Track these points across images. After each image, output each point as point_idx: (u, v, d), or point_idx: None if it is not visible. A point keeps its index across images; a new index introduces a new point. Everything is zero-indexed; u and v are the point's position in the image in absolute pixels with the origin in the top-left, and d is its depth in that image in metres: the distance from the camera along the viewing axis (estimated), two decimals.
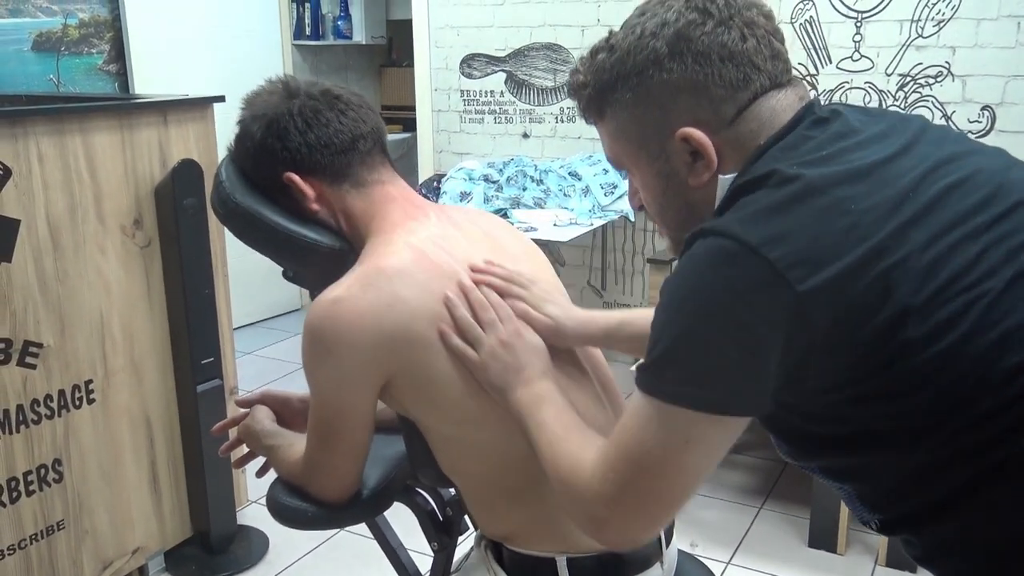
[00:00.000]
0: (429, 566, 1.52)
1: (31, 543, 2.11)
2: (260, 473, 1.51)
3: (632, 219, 3.52)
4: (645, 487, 0.93)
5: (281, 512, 1.36)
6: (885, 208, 0.86)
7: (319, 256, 1.32)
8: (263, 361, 4.19)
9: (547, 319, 1.23)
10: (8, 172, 1.96)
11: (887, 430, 0.89)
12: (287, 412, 1.52)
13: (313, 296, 1.40)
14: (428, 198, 3.72)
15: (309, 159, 1.28)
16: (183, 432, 2.45)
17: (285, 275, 1.44)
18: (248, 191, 1.33)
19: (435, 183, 3.68)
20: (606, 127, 1.04)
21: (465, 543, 1.46)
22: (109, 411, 2.26)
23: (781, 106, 0.97)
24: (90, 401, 2.20)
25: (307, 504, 1.34)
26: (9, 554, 2.06)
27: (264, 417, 1.49)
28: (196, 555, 2.53)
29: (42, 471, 2.11)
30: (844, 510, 2.55)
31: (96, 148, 2.15)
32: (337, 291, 1.18)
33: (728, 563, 2.54)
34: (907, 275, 0.83)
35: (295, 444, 1.37)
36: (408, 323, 1.16)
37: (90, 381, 2.20)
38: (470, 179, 3.54)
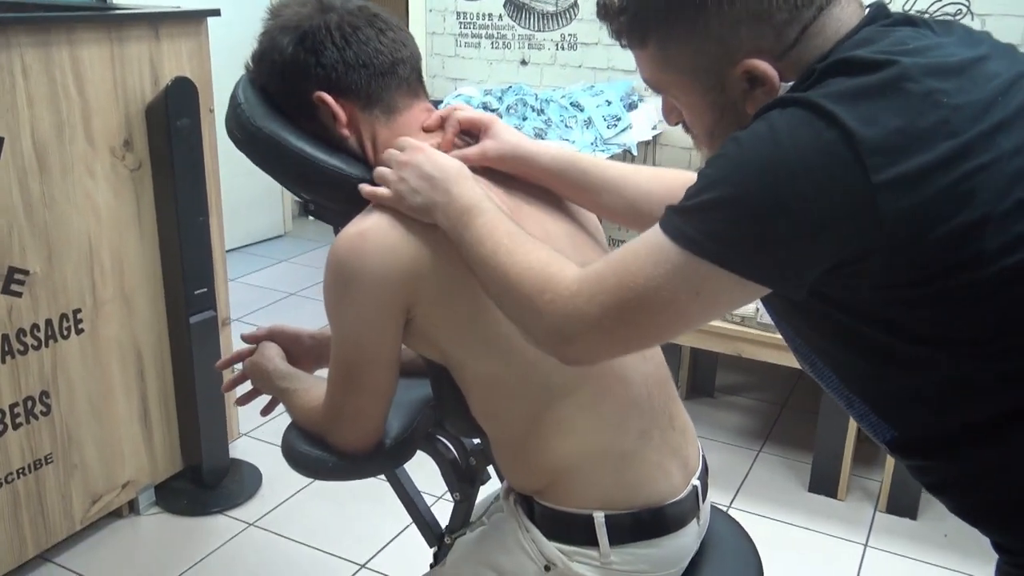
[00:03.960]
0: (446, 514, 1.46)
1: (18, 477, 2.02)
2: (266, 411, 1.43)
3: (635, 153, 3.41)
4: (635, 320, 0.91)
5: (299, 461, 1.28)
6: (976, 108, 0.82)
7: (346, 190, 1.22)
8: (248, 289, 4.08)
9: (494, 140, 1.19)
10: None
11: (935, 337, 0.85)
12: (298, 350, 1.44)
13: (337, 231, 1.31)
14: None
15: (345, 79, 1.17)
16: (175, 364, 2.36)
17: (305, 208, 1.33)
18: (269, 115, 1.22)
19: None
20: (649, 55, 0.97)
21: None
22: (98, 342, 2.15)
23: (846, 15, 0.91)
24: (79, 331, 2.10)
25: (327, 453, 1.26)
26: None
27: (275, 355, 1.40)
28: (188, 489, 2.47)
29: (29, 403, 2.02)
30: (847, 455, 2.53)
31: (84, 62, 2.00)
32: (363, 224, 1.10)
33: (728, 507, 2.52)
34: (992, 181, 0.80)
35: (312, 388, 1.29)
36: (436, 254, 1.09)
37: (79, 311, 2.09)
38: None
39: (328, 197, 1.27)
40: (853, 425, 2.49)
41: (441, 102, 3.52)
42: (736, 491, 2.61)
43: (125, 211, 2.16)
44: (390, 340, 1.14)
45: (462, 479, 1.45)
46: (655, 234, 0.88)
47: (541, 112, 3.43)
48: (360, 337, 1.14)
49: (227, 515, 2.44)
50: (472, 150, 1.18)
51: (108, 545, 2.29)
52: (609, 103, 3.43)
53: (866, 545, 2.39)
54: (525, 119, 3.42)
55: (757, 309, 2.52)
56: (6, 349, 1.94)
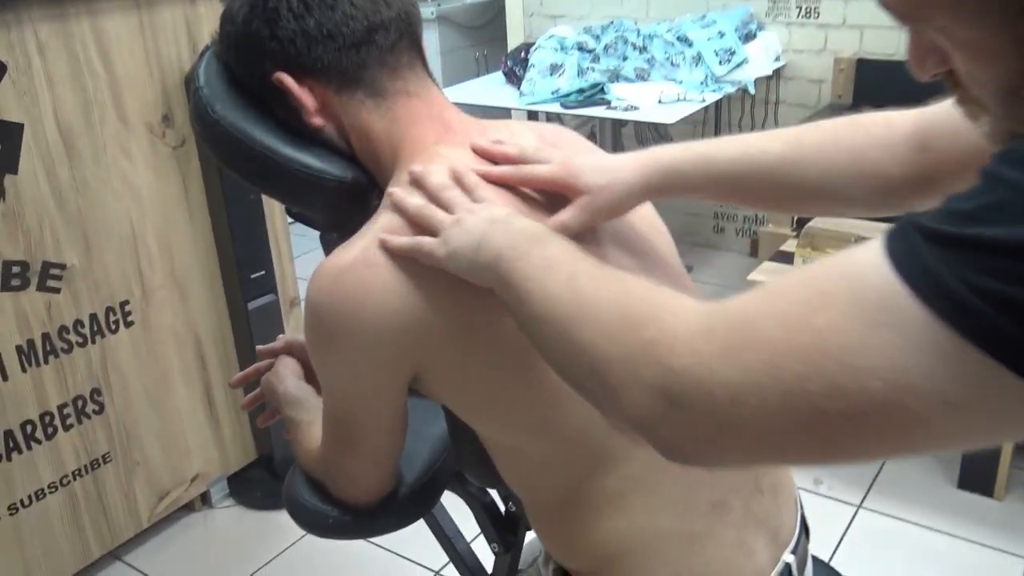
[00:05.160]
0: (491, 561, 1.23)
1: (74, 479, 1.93)
2: (263, 421, 1.24)
3: (752, 91, 3.00)
4: (804, 416, 0.53)
5: (296, 511, 1.08)
6: None
7: (326, 193, 0.97)
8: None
9: (582, 195, 0.86)
10: (3, 67, 1.66)
11: None
12: None
13: (326, 242, 1.07)
14: (514, 72, 3.31)
15: (307, 54, 0.91)
16: (239, 351, 2.21)
17: (288, 212, 1.10)
18: (234, 100, 0.98)
19: (522, 53, 3.23)
20: None
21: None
22: (151, 333, 2.02)
23: None
24: (128, 324, 1.96)
25: (328, 506, 1.04)
26: (51, 492, 1.89)
27: (289, 374, 1.19)
28: (263, 478, 2.34)
29: (79, 403, 1.91)
30: (1006, 444, 2.13)
31: (109, 33, 1.82)
32: (348, 255, 0.84)
33: (859, 507, 2.18)
34: None
35: (315, 423, 1.07)
36: (443, 300, 0.82)
37: (126, 302, 1.95)
38: (562, 48, 3.07)
39: (307, 204, 1.02)
40: None
41: (534, 44, 3.20)
42: (868, 488, 2.25)
43: (170, 192, 1.99)
44: (390, 403, 0.91)
45: (502, 526, 1.20)
46: (875, 268, 0.51)
47: (644, 50, 3.06)
48: (351, 398, 0.91)
49: None
50: (574, 217, 0.86)
51: (179, 541, 2.20)
52: (722, 35, 3.02)
53: None
54: (625, 59, 3.07)
55: None
56: (48, 348, 1.82)
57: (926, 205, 0.53)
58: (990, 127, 0.58)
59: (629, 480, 0.87)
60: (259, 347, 1.28)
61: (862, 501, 2.20)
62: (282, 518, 2.22)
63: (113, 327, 1.94)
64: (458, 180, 0.85)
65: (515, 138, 0.95)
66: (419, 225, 0.82)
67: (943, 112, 0.83)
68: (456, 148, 0.91)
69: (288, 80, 0.92)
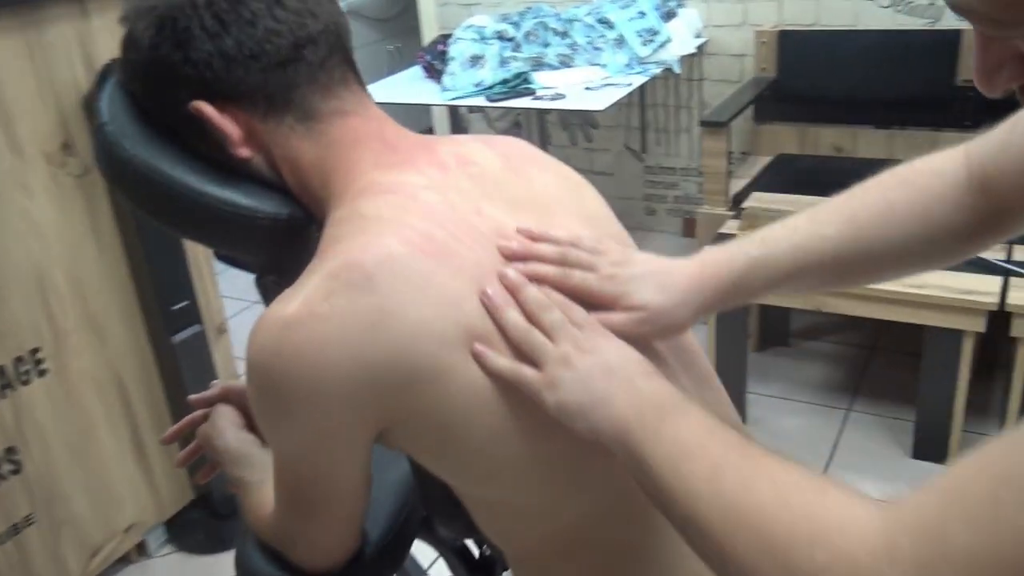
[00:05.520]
0: None
1: None
2: (203, 478, 1.11)
3: (677, 71, 2.95)
4: None
5: None
6: None
7: (260, 234, 0.86)
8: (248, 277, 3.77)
9: (636, 310, 0.79)
10: None
11: None
12: None
13: (264, 287, 0.96)
14: (433, 65, 3.19)
15: (227, 78, 0.80)
16: (167, 389, 2.06)
17: (218, 255, 0.98)
18: (146, 135, 0.86)
19: (440, 45, 3.12)
20: None
21: None
22: (68, 380, 1.86)
23: None
24: (41, 373, 1.80)
25: (288, 575, 0.94)
26: None
27: (228, 424, 1.07)
28: (203, 520, 2.20)
29: None
30: (957, 407, 2.12)
31: None
32: (293, 305, 0.73)
33: None
34: None
35: (266, 484, 0.96)
36: (408, 347, 0.72)
37: (37, 349, 1.79)
38: (481, 38, 2.97)
39: (238, 247, 0.91)
40: (964, 366, 2.07)
41: (450, 36, 3.09)
42: (827, 463, 2.24)
43: (76, 226, 1.83)
44: (354, 466, 0.81)
45: (476, 571, 1.12)
46: None
47: (565, 35, 2.98)
48: (310, 465, 0.80)
49: None
50: (624, 327, 0.78)
51: None
52: (643, 14, 2.96)
53: None
54: (547, 45, 2.98)
55: None
56: None
57: (1002, 240, 0.47)
58: None
59: (638, 563, 0.81)
60: (191, 397, 1.16)
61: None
62: (226, 560, 2.09)
63: (24, 378, 1.77)
64: (514, 292, 0.76)
65: (471, 157, 0.86)
66: (516, 343, 0.73)
67: (993, 146, 0.78)
68: (398, 171, 0.81)
69: (207, 108, 0.81)
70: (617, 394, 0.70)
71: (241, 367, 1.17)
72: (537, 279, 0.77)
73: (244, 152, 0.83)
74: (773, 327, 2.76)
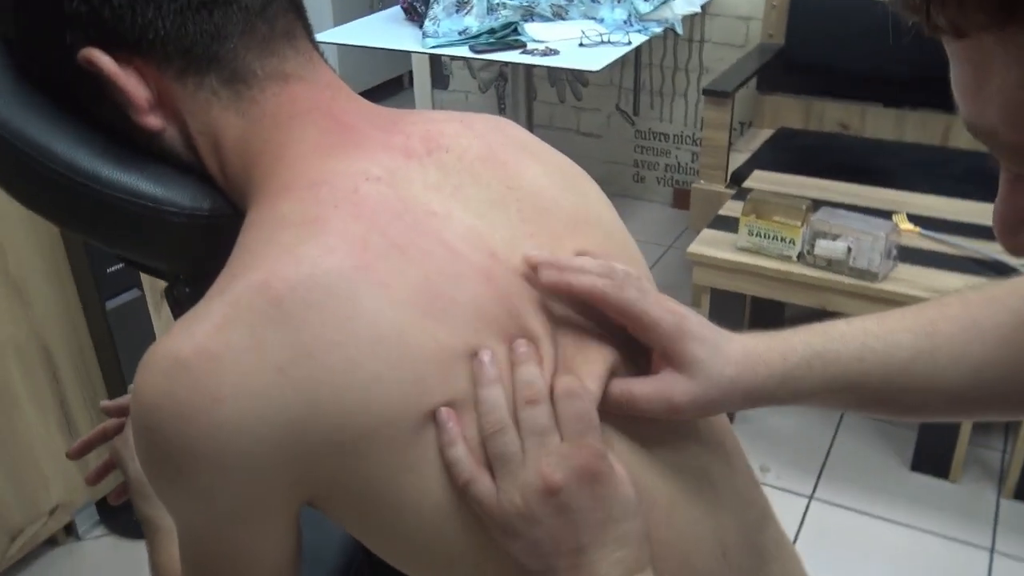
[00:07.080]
0: None
1: None
2: (115, 499, 0.92)
3: (680, 31, 2.73)
4: None
5: None
6: None
7: (172, 233, 0.67)
8: None
9: (688, 391, 0.61)
10: None
11: None
12: None
13: (175, 300, 0.75)
14: (415, 7, 2.93)
15: (131, 19, 0.60)
16: (100, 360, 1.85)
17: (119, 258, 0.78)
18: (21, 95, 0.66)
19: None
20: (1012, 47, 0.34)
21: None
22: None
23: None
24: None
25: None
26: None
27: None
28: None
29: None
30: (964, 423, 1.98)
31: None
32: (181, 339, 0.54)
33: (811, 497, 2.01)
34: None
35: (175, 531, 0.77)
36: (328, 399, 0.54)
37: None
38: None
39: (142, 248, 0.71)
40: None
41: None
42: (818, 475, 2.08)
43: None
44: (270, 542, 0.62)
45: None
46: None
47: None
48: (210, 541, 0.61)
49: None
50: (650, 403, 0.61)
51: None
52: None
53: (992, 550, 1.87)
54: None
55: (849, 249, 1.92)
56: None
57: None
58: None
59: None
60: (104, 403, 0.98)
61: (813, 491, 2.03)
62: None
63: None
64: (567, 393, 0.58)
65: (444, 140, 0.65)
66: (482, 430, 0.57)
67: None
68: (341, 156, 0.61)
69: (104, 60, 0.60)
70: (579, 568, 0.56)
71: None
72: (581, 294, 0.60)
73: (152, 121, 0.63)
74: (767, 322, 2.59)
